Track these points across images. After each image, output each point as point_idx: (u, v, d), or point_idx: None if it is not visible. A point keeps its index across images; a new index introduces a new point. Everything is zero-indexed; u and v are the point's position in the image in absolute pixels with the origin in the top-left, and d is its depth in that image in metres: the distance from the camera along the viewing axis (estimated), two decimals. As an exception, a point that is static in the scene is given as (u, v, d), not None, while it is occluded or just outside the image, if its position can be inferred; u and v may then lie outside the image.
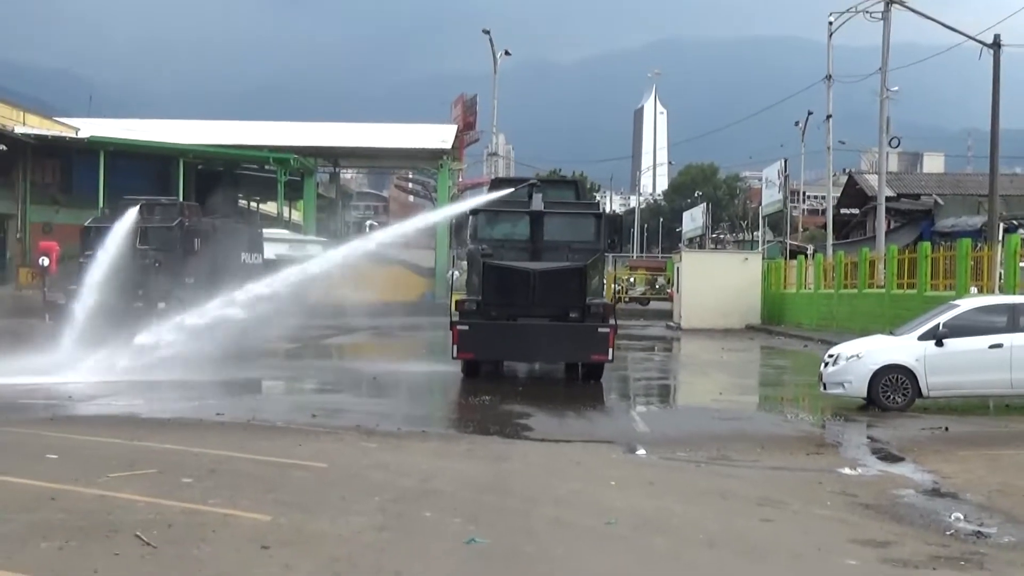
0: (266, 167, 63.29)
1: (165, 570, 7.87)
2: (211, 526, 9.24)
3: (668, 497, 11.59)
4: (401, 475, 12.10)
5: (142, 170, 55.82)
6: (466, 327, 22.10)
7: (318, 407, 18.69)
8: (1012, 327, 19.13)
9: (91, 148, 55.30)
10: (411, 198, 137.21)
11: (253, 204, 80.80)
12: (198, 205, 40.69)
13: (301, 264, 27.00)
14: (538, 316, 22.36)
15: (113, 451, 12.99)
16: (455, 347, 22.27)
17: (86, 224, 33.35)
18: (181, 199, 49.40)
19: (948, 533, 9.94)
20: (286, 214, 66.58)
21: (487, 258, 22.52)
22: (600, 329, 22.23)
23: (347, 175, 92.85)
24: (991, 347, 18.93)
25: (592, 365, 23.30)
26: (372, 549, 8.71)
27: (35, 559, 8.06)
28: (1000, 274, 29.98)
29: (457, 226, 25.04)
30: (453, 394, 22.58)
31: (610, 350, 22.37)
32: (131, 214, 32.33)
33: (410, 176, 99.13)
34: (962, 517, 10.53)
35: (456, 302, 23.39)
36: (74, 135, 59.36)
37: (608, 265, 31.77)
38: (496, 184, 26.57)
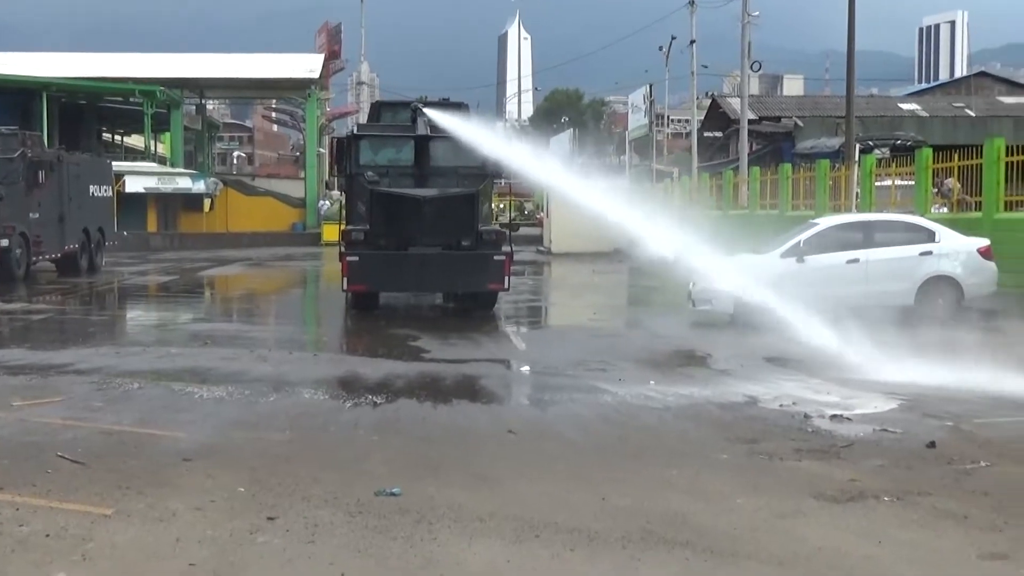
0: (131, 100, 62.16)
1: (98, 483, 8.40)
2: (131, 444, 9.85)
3: (555, 409, 12.43)
4: (304, 392, 12.95)
5: (3, 105, 54.25)
6: (356, 258, 21.14)
7: (208, 335, 19.20)
8: (868, 243, 20.45)
9: (-51, 83, 54.09)
10: (275, 127, 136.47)
11: (118, 137, 79.50)
12: (40, 135, 39.32)
13: None
14: (429, 245, 21.54)
15: (20, 382, 13.41)
16: (345, 279, 21.31)
17: None
18: (45, 133, 48.67)
19: (809, 431, 10.88)
20: (153, 147, 65.65)
21: (373, 185, 21.54)
22: (495, 257, 21.69)
23: (211, 106, 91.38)
24: (848, 262, 20.17)
25: (486, 295, 22.73)
26: (285, 459, 9.38)
27: (-31, 478, 8.56)
28: (856, 193, 31.31)
29: (337, 153, 23.18)
30: (338, 322, 22.83)
31: (506, 278, 21.90)
32: None
33: (274, 105, 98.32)
34: (822, 416, 11.52)
35: (342, 232, 22.53)
36: (-70, 69, 57.84)
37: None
38: (377, 108, 25.58)
